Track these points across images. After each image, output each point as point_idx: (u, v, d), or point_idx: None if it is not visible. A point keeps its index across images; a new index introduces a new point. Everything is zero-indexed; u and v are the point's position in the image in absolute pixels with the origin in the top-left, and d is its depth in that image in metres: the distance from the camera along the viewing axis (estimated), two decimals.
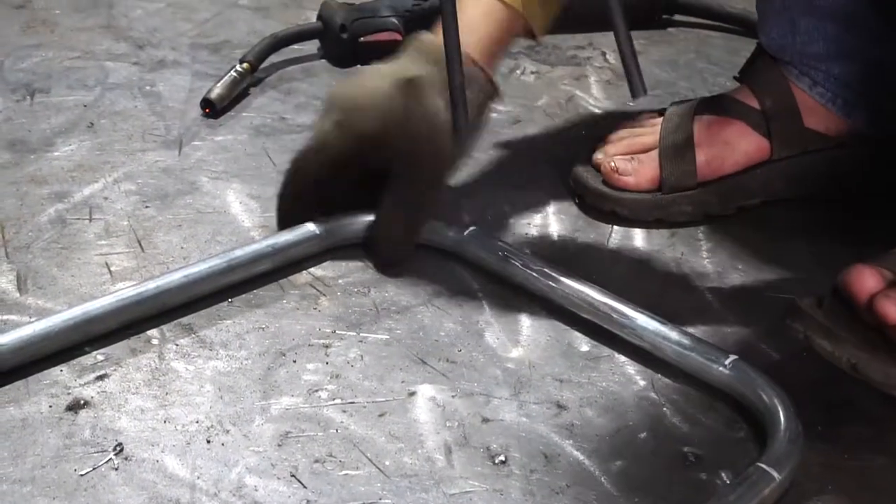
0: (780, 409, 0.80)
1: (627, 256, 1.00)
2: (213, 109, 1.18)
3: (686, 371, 0.86)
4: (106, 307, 0.86)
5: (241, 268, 0.93)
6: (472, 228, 0.98)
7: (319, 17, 1.33)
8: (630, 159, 1.07)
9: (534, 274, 0.94)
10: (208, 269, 0.91)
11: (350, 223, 0.99)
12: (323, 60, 1.33)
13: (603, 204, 1.07)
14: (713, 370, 0.85)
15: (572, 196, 1.09)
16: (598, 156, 1.09)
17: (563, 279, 0.92)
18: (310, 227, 0.97)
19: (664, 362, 0.87)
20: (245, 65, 1.24)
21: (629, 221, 1.06)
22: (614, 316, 0.89)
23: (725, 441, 0.81)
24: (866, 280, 0.82)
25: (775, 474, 0.75)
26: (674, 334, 0.87)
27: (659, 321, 0.88)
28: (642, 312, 0.89)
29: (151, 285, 0.88)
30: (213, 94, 1.19)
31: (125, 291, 0.87)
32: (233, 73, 1.22)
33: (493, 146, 1.17)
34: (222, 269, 0.92)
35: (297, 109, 1.22)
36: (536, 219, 1.00)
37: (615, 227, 1.05)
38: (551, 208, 1.07)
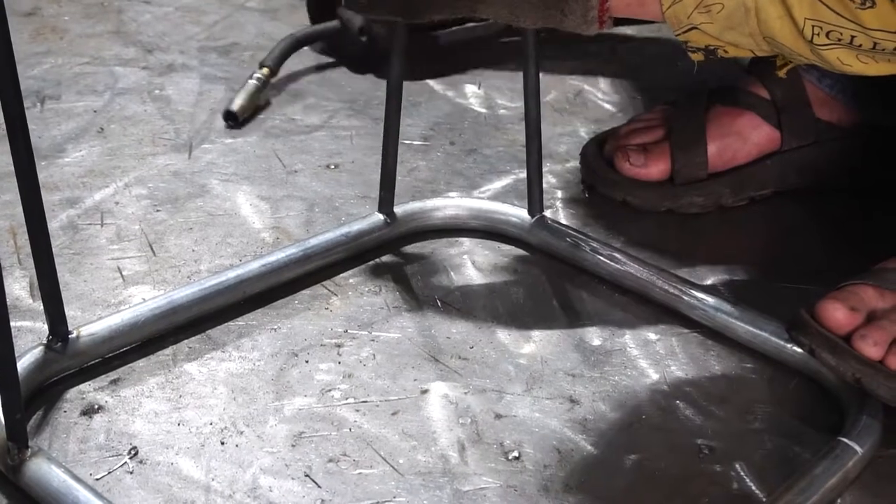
0: None
1: (639, 247, 1.00)
2: (235, 121, 1.18)
3: (759, 352, 0.88)
4: (190, 296, 0.87)
5: (317, 256, 0.94)
6: (538, 216, 0.99)
7: (338, 17, 1.31)
8: (642, 150, 1.07)
9: (603, 258, 0.95)
10: (285, 257, 0.93)
11: (423, 210, 1.01)
12: (332, 60, 1.33)
13: (615, 194, 1.07)
14: (787, 350, 0.86)
15: (583, 188, 1.09)
16: (610, 146, 1.09)
17: (632, 263, 0.94)
18: (380, 216, 0.98)
19: (674, 353, 0.88)
20: (265, 70, 1.23)
21: (640, 212, 1.06)
22: (685, 297, 0.91)
23: (739, 433, 0.81)
24: (838, 318, 0.82)
25: (857, 448, 0.76)
26: (746, 315, 0.88)
27: (730, 302, 0.90)
28: (713, 294, 0.91)
29: (231, 274, 0.90)
30: (236, 106, 1.18)
31: (207, 280, 0.89)
32: (253, 80, 1.21)
33: (502, 141, 1.17)
34: (298, 258, 0.93)
35: (306, 111, 1.22)
36: (547, 212, 1.00)
37: (626, 219, 1.05)
38: (561, 201, 1.07)
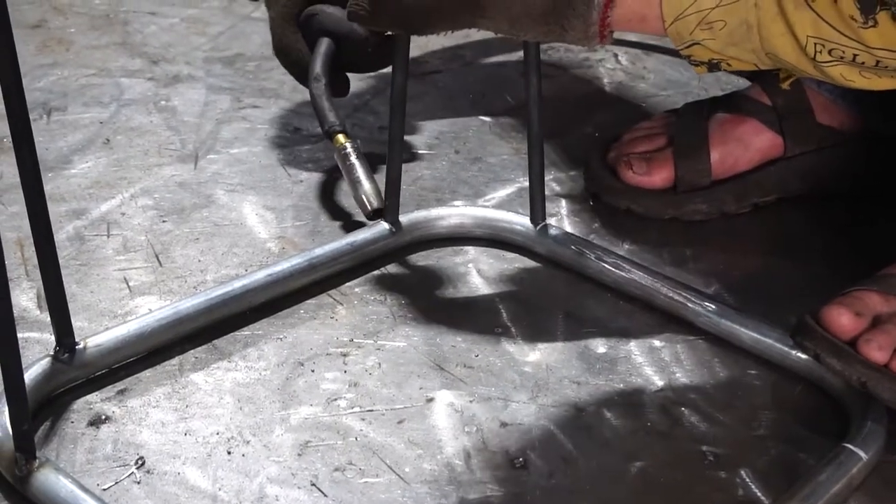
0: None
1: (643, 255, 1.00)
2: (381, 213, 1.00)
3: (764, 358, 0.88)
4: (196, 306, 0.88)
5: (323, 266, 0.95)
6: (541, 224, 1.00)
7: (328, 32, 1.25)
8: (645, 158, 1.07)
9: (608, 266, 0.96)
10: (290, 267, 0.93)
11: (427, 219, 1.01)
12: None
13: (618, 202, 1.07)
14: (792, 356, 0.86)
15: (587, 196, 1.09)
16: (613, 154, 1.09)
17: (636, 271, 0.95)
18: (385, 226, 0.99)
19: (679, 360, 0.88)
20: (341, 136, 1.03)
21: (644, 220, 1.06)
22: (689, 305, 0.91)
23: (744, 439, 0.81)
24: (843, 323, 0.82)
25: (862, 454, 0.77)
26: (750, 322, 0.89)
27: (735, 309, 0.90)
28: (717, 301, 0.91)
29: (237, 284, 0.90)
30: (376, 202, 1.00)
31: (213, 291, 0.89)
32: (354, 161, 1.01)
33: (506, 150, 1.18)
34: (304, 268, 0.94)
35: (311, 120, 1.22)
36: (552, 220, 1.00)
37: (630, 227, 1.05)
38: (565, 209, 1.07)
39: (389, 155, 0.96)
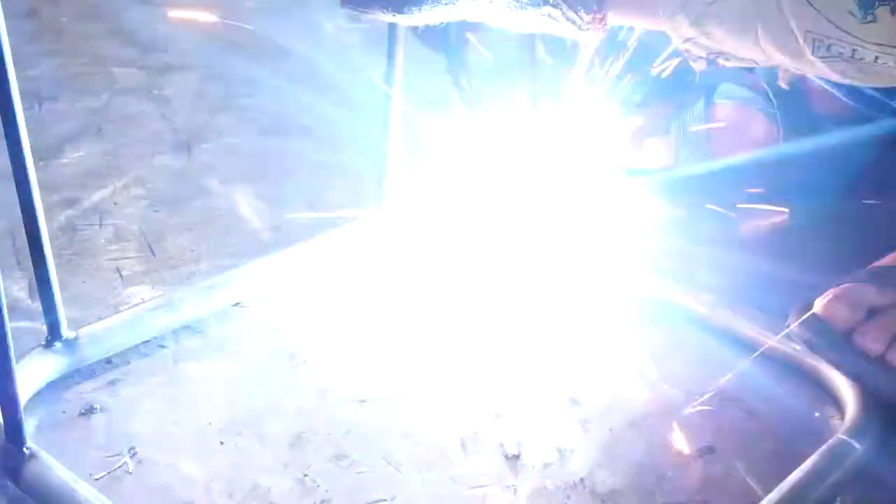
0: None
1: (641, 248, 1.00)
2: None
3: (760, 349, 0.88)
4: (189, 296, 0.88)
5: (316, 256, 0.95)
6: None
7: None
8: (645, 142, 1.07)
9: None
10: (284, 257, 0.94)
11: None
12: (331, 61, 1.33)
13: (617, 187, 1.07)
14: (788, 348, 0.86)
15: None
16: (613, 138, 1.09)
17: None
18: (380, 214, 0.99)
19: (674, 351, 0.88)
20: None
21: (641, 210, 1.06)
22: (686, 296, 0.92)
23: (739, 431, 0.81)
24: (839, 315, 0.82)
25: (857, 445, 0.77)
26: (747, 313, 0.89)
27: (731, 301, 0.91)
28: (714, 293, 0.92)
29: (230, 274, 0.91)
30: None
31: (206, 280, 0.90)
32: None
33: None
34: (296, 258, 0.94)
35: (302, 111, 1.22)
36: None
37: (626, 215, 1.05)
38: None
39: (385, 146, 0.96)
